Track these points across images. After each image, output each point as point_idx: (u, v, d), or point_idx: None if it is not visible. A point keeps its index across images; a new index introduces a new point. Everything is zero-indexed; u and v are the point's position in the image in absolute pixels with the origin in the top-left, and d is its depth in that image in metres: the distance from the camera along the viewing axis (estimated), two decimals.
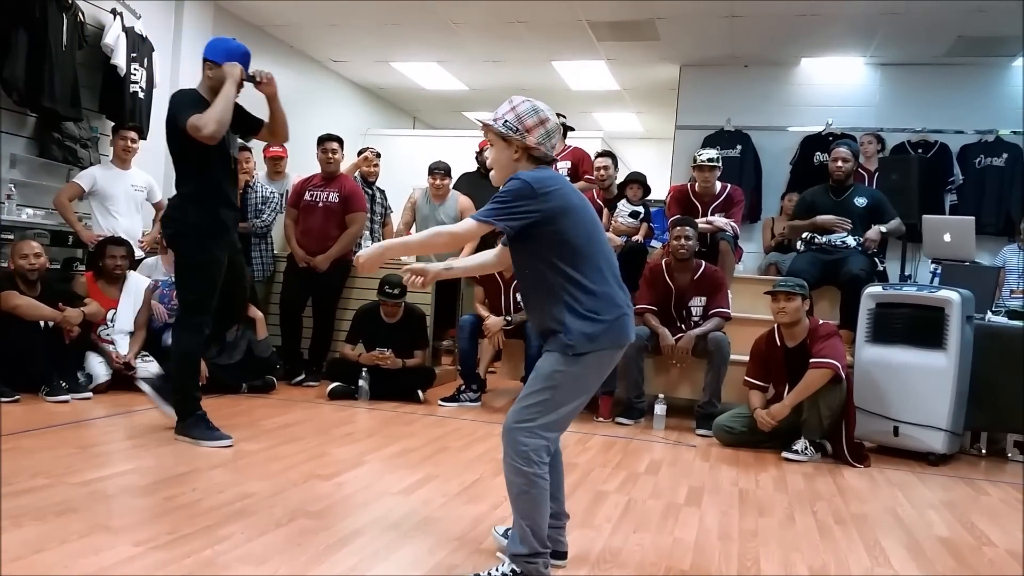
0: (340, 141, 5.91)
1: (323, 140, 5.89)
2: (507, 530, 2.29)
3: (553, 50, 8.24)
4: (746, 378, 4.53)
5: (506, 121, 2.24)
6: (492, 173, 2.33)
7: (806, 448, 4.20)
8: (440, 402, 5.23)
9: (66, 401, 4.39)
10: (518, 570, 2.18)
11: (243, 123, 3.91)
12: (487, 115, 2.29)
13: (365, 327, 5.34)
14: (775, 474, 3.88)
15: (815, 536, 2.92)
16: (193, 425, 3.73)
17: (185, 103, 3.69)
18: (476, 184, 6.36)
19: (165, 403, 3.90)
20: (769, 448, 4.33)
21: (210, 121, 3.57)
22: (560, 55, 8.42)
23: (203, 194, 3.76)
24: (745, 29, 7.16)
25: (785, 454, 4.20)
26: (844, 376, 4.19)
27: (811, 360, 4.17)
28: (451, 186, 6.18)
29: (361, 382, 5.14)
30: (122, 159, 5.48)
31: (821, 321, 4.44)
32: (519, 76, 9.32)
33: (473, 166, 6.66)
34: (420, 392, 5.23)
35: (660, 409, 4.83)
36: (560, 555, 2.41)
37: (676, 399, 5.17)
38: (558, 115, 6.36)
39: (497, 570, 2.21)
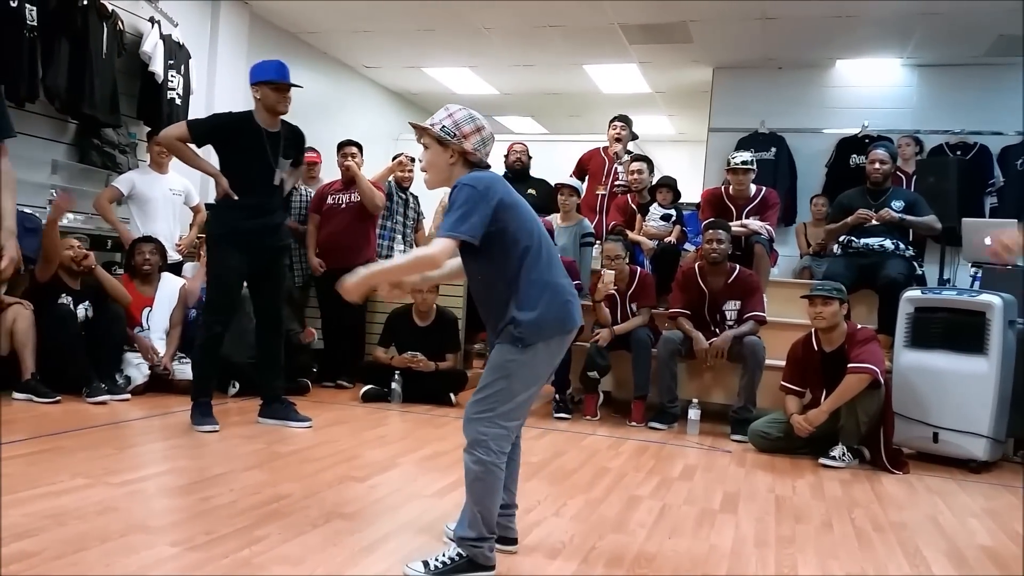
0: (359, 146, 5.95)
1: (343, 145, 5.94)
2: (424, 560, 2.33)
3: (584, 53, 8.24)
4: (782, 383, 4.47)
5: (444, 126, 2.33)
6: (426, 176, 2.43)
7: (844, 454, 4.14)
8: None
9: (104, 402, 4.46)
10: (464, 553, 2.27)
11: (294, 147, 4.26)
12: (426, 120, 2.37)
13: (397, 330, 5.36)
14: (812, 480, 3.82)
15: (853, 543, 2.87)
16: (194, 412, 4.07)
17: (213, 117, 4.22)
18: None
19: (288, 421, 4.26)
20: (806, 454, 4.27)
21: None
22: (591, 58, 8.41)
23: (225, 205, 4.07)
24: (779, 31, 7.10)
25: (822, 460, 4.14)
26: (882, 382, 4.12)
27: (849, 365, 4.11)
28: None
29: (394, 385, 5.17)
30: (159, 164, 5.56)
31: (859, 326, 4.37)
32: (550, 80, 9.32)
33: (502, 170, 6.66)
34: (452, 395, 5.25)
35: (694, 414, 4.80)
36: (510, 541, 2.52)
37: (710, 404, 5.12)
38: (620, 118, 6.41)
39: (444, 555, 2.28)
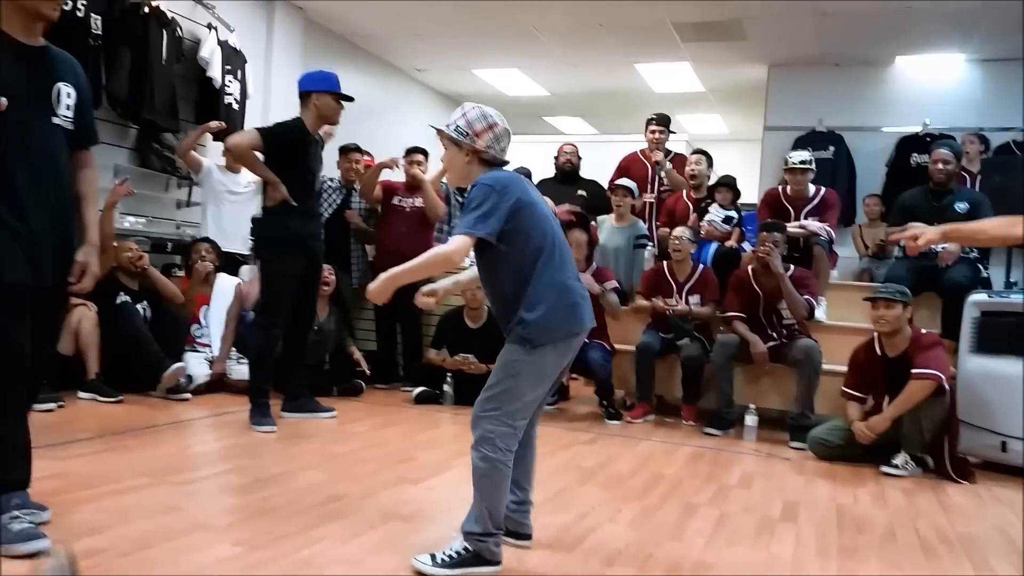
0: (425, 152, 5.96)
1: (347, 150, 5.99)
2: (431, 554, 2.34)
3: (635, 52, 8.17)
4: (844, 389, 4.36)
5: (457, 127, 2.39)
6: (446, 175, 2.51)
7: (907, 463, 4.02)
8: None
9: (187, 399, 4.69)
10: (470, 547, 2.31)
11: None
12: (442, 122, 2.45)
13: (449, 333, 5.38)
14: (874, 489, 3.72)
15: (918, 555, 2.79)
16: (253, 412, 4.16)
17: (278, 127, 4.26)
18: (556, 189, 6.35)
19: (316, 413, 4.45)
20: (867, 462, 4.16)
21: (234, 146, 4.25)
22: (643, 57, 8.34)
23: (282, 211, 4.17)
24: (836, 28, 6.95)
25: (884, 468, 4.03)
26: (947, 388, 4.00)
27: (912, 371, 3.99)
28: None
29: (446, 387, 5.19)
30: (228, 164, 5.68)
31: (924, 330, 4.25)
32: (600, 79, 9.27)
33: (552, 171, 6.65)
34: None
35: (751, 420, 4.71)
36: (524, 536, 2.56)
37: (767, 410, 5.03)
38: (660, 119, 6.29)
39: (451, 548, 2.32)
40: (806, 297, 4.80)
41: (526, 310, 2.29)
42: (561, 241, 2.41)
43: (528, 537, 2.56)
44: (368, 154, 6.27)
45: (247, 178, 5.68)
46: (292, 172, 4.16)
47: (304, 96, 4.21)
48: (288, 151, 4.16)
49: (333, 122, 4.26)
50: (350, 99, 4.24)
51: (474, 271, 2.63)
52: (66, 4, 4.92)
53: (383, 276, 2.38)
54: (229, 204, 5.62)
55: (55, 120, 2.34)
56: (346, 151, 6.00)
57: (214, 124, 5.56)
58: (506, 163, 2.48)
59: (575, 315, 2.36)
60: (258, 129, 4.30)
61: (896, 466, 4.01)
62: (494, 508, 2.32)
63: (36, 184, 2.27)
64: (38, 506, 2.40)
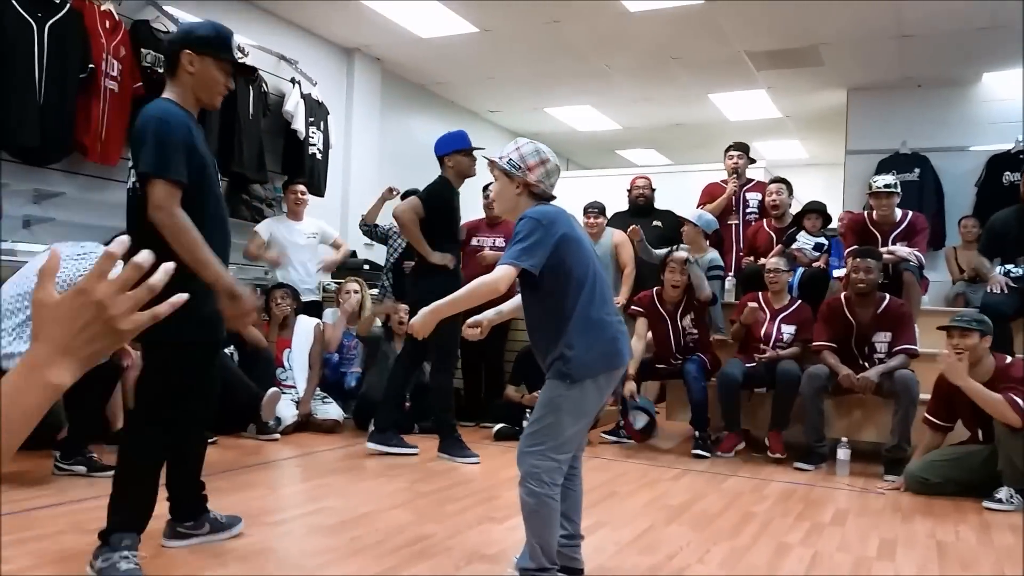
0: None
1: (488, 187, 6.05)
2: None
3: (709, 83, 8.15)
4: (926, 415, 4.20)
5: (510, 159, 2.45)
6: (496, 205, 2.61)
7: (1012, 496, 3.81)
8: (602, 435, 5.26)
9: (276, 439, 4.83)
10: None
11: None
12: (496, 154, 2.52)
13: (527, 368, 5.39)
14: (977, 525, 3.54)
15: None
16: (450, 445, 4.48)
17: (430, 189, 4.60)
18: (628, 222, 6.35)
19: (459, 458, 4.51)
20: (967, 496, 3.96)
21: (401, 217, 4.53)
22: (717, 88, 8.30)
23: (433, 268, 4.49)
24: (917, 48, 6.79)
25: (987, 503, 3.83)
26: None
27: (1007, 392, 3.81)
28: (605, 224, 6.17)
29: (525, 423, 5.16)
30: (293, 211, 5.89)
31: (1010, 359, 4.04)
32: (674, 112, 9.26)
33: (626, 205, 6.64)
34: None
35: (843, 454, 4.54)
36: (576, 572, 2.56)
37: (860, 443, 4.85)
38: (737, 146, 6.26)
39: None
40: (907, 347, 4.62)
41: (567, 346, 2.33)
42: (601, 277, 2.45)
43: (580, 572, 2.57)
44: None
45: (310, 228, 5.88)
46: (446, 229, 4.56)
47: (441, 159, 4.53)
48: (447, 211, 4.55)
49: (471, 175, 4.57)
50: (481, 149, 4.43)
51: (517, 300, 2.66)
52: (159, 67, 5.23)
53: (426, 310, 2.42)
54: (295, 254, 5.80)
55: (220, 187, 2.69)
56: (485, 188, 6.12)
57: (388, 190, 5.80)
58: (553, 198, 2.53)
59: (615, 350, 2.40)
60: (418, 197, 4.62)
61: (1000, 500, 3.80)
62: (546, 544, 2.35)
63: (223, 250, 2.62)
64: (231, 518, 2.90)
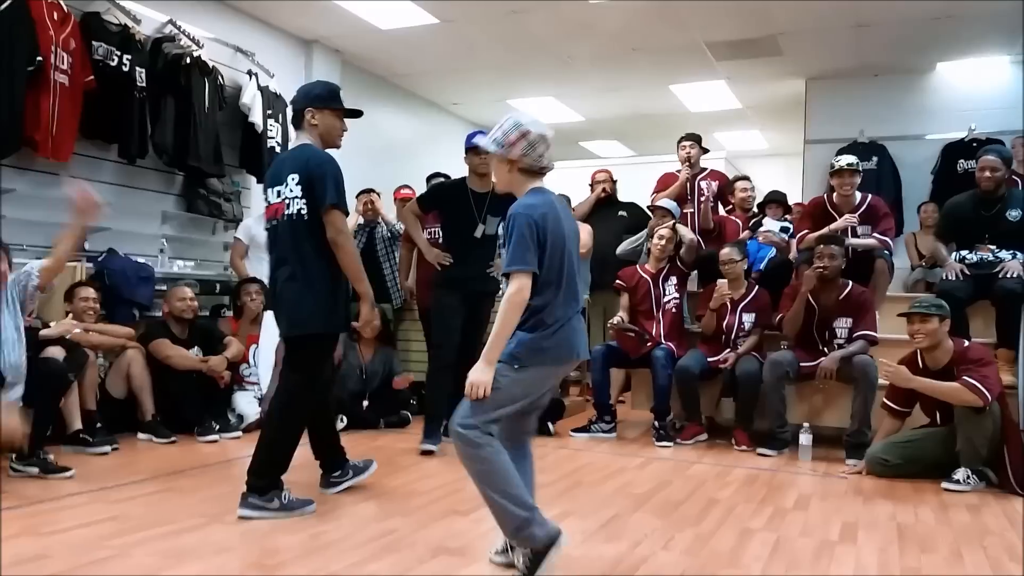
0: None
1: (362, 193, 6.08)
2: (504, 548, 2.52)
3: (670, 74, 8.17)
4: (884, 400, 4.27)
5: (495, 139, 2.48)
6: (497, 186, 2.66)
7: (968, 477, 3.89)
8: (572, 433, 5.20)
9: (215, 440, 4.65)
10: (526, 550, 2.34)
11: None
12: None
13: None
14: (936, 506, 3.60)
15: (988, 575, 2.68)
16: (428, 432, 4.50)
17: (432, 188, 5.04)
18: (596, 214, 6.39)
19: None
20: (927, 478, 4.03)
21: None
22: (678, 78, 8.33)
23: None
24: (874, 37, 6.86)
25: (945, 484, 3.90)
26: (989, 404, 3.85)
27: (964, 377, 3.87)
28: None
29: None
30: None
31: (967, 343, 4.12)
32: (636, 103, 9.28)
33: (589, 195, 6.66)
34: (550, 424, 5.20)
35: (805, 439, 4.59)
36: None
37: (822, 428, 4.91)
38: (689, 136, 6.33)
39: (519, 562, 2.37)
40: (866, 333, 4.68)
41: (523, 330, 2.38)
42: (569, 271, 2.47)
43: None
44: (409, 187, 6.38)
45: None
46: (448, 223, 4.76)
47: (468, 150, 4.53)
48: (444, 206, 4.72)
49: (482, 173, 4.46)
50: (478, 149, 4.31)
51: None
52: (111, 60, 5.11)
53: (480, 366, 2.37)
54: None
55: None
56: (361, 193, 6.08)
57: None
58: (546, 169, 2.52)
59: (568, 344, 2.45)
60: (418, 197, 4.89)
61: (958, 481, 3.88)
62: (511, 496, 2.34)
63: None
64: (366, 461, 3.64)
